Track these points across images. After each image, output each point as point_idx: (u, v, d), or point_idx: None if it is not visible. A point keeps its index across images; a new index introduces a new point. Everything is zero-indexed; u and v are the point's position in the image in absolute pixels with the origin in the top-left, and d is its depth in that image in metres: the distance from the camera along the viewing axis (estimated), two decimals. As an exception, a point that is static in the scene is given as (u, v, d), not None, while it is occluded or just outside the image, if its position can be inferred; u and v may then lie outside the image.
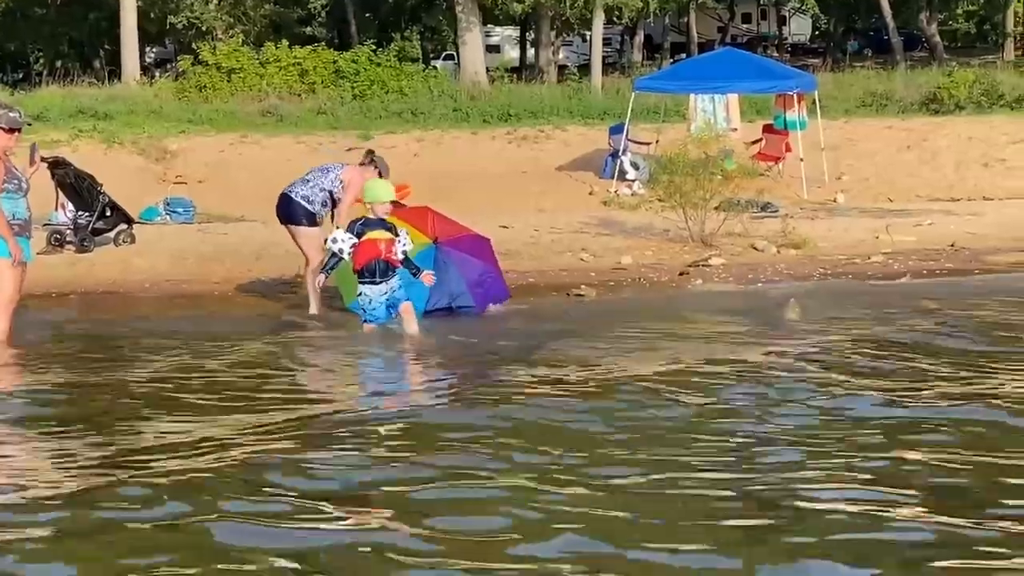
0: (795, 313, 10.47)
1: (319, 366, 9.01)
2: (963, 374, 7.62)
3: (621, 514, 4.61)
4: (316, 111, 29.89)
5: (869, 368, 7.91)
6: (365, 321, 9.73)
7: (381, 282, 9.60)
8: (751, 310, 10.95)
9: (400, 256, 9.66)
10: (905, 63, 39.17)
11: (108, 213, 15.71)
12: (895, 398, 6.82)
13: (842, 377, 7.50)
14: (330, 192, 11.50)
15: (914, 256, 15.36)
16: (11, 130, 9.19)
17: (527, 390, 7.27)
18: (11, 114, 9.27)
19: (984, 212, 19.29)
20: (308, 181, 11.70)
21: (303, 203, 11.49)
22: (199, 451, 5.67)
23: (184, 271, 14.32)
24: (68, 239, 15.43)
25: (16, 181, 9.24)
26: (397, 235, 9.65)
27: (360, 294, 9.72)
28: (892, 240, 16.35)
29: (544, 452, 5.61)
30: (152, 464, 5.41)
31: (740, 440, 5.87)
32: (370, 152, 11.93)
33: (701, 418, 6.43)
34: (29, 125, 9.79)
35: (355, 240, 9.57)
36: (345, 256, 9.62)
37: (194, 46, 37.26)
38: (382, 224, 9.64)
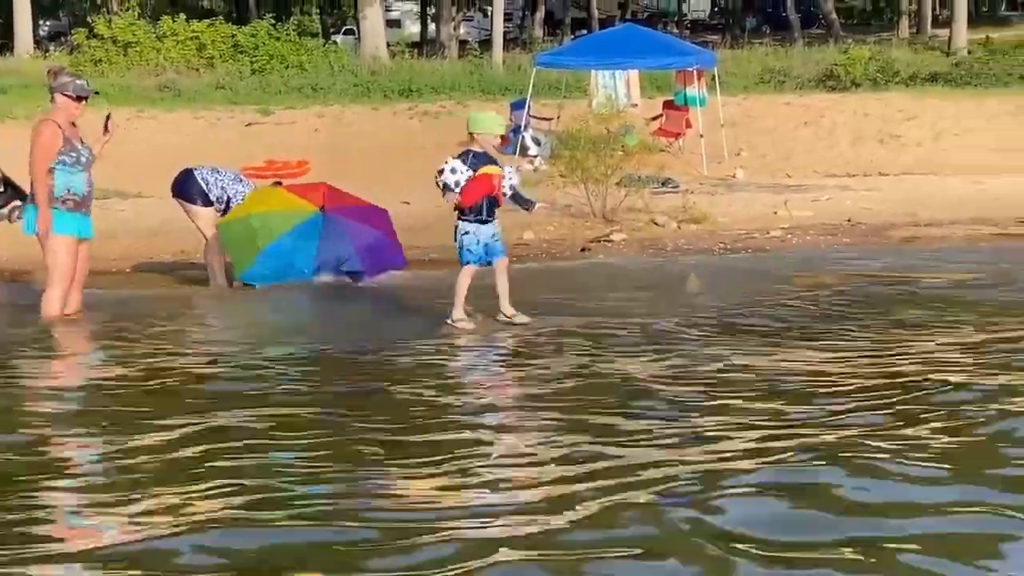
0: (694, 284, 10.82)
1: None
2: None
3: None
4: (215, 86, 29.47)
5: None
6: (466, 263, 8.89)
7: (490, 221, 8.93)
8: (649, 282, 11.12)
9: (508, 191, 9.05)
10: (803, 40, 39.69)
11: (2, 188, 15.32)
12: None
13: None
14: (230, 199, 11.35)
15: (812, 231, 15.58)
16: (79, 98, 8.86)
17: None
18: (78, 82, 8.93)
19: (880, 188, 19.64)
20: (219, 172, 11.58)
21: (202, 183, 11.35)
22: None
23: (79, 248, 14.02)
24: (-42, 216, 15.03)
25: (75, 153, 8.87)
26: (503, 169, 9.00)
27: (465, 233, 8.90)
28: (790, 215, 16.57)
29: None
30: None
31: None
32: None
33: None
34: (96, 94, 9.43)
35: (471, 173, 8.80)
36: (456, 189, 8.77)
37: (89, 19, 36.53)
38: (488, 158, 8.94)
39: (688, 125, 22.96)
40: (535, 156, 22.00)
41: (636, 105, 24.63)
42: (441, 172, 8.84)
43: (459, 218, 8.97)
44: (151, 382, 7.07)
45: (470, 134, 9.01)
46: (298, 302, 10.34)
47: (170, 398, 6.69)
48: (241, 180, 11.80)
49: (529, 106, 22.70)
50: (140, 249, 13.92)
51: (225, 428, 5.84)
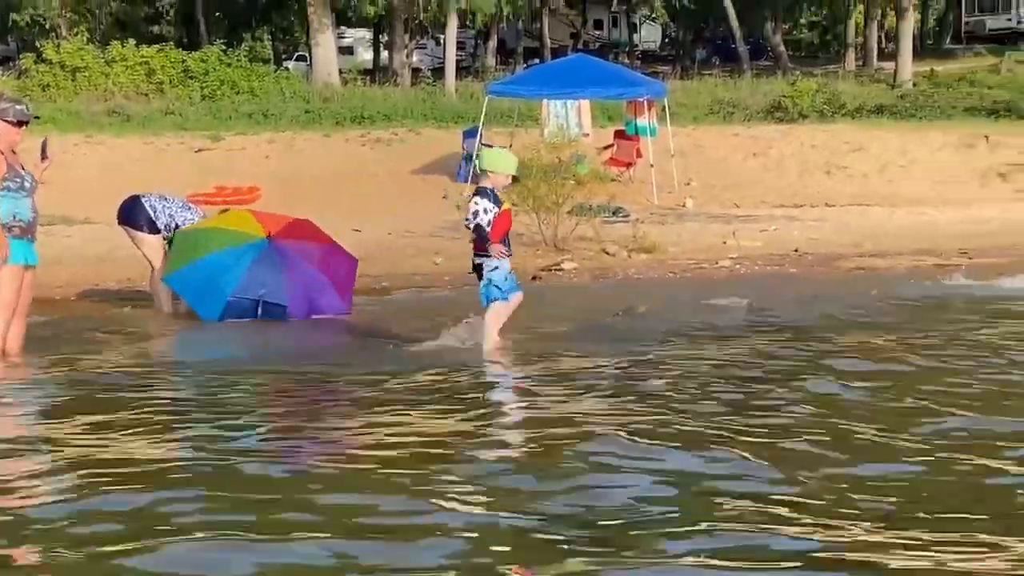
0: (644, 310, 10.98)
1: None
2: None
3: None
4: (164, 111, 29.36)
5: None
6: (494, 300, 8.82)
7: (509, 256, 8.89)
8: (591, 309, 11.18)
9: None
10: (751, 72, 40.09)
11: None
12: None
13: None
14: (177, 226, 11.31)
15: (760, 261, 15.71)
16: (19, 123, 8.70)
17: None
18: (18, 107, 8.74)
19: (827, 218, 19.84)
20: (167, 200, 11.55)
21: (150, 211, 11.31)
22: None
23: (25, 275, 13.87)
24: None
25: (19, 179, 8.67)
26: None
27: (495, 268, 8.78)
28: (739, 245, 16.70)
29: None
30: None
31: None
32: None
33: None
34: (37, 119, 9.24)
35: (498, 210, 8.75)
36: (487, 228, 8.67)
37: (37, 44, 36.27)
38: (497, 195, 8.88)
39: (639, 155, 23.11)
40: (486, 184, 22.03)
41: (588, 135, 24.77)
42: (476, 215, 8.73)
43: (481, 255, 8.85)
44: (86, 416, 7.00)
45: (482, 171, 9.02)
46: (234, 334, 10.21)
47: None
48: (189, 207, 11.77)
49: (481, 134, 22.76)
50: (86, 276, 13.79)
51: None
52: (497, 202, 8.79)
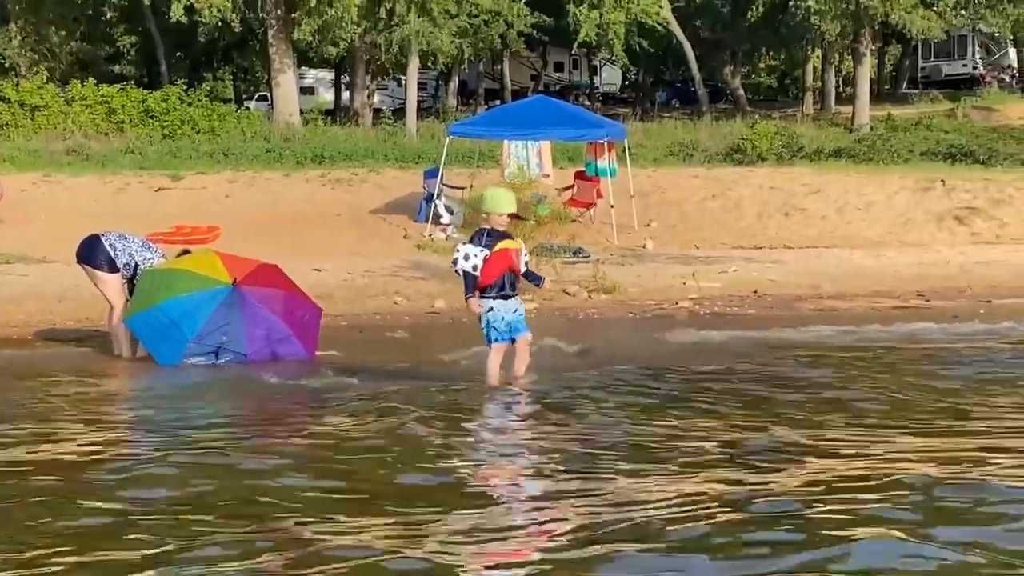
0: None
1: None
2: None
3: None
4: (124, 150, 29.21)
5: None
6: (493, 341, 8.99)
7: (512, 296, 8.95)
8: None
9: (523, 268, 9.02)
10: (711, 114, 40.39)
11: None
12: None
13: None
14: (137, 265, 11.26)
15: (719, 302, 15.79)
16: None
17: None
18: None
19: (785, 260, 19.97)
20: (127, 239, 11.50)
21: (110, 250, 11.26)
22: None
23: (-19, 314, 13.76)
24: None
25: None
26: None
27: (490, 310, 8.93)
28: (699, 286, 16.78)
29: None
30: None
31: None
32: None
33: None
34: None
35: (487, 252, 8.82)
36: (475, 272, 8.83)
37: (-4, 82, 36.11)
38: (502, 234, 8.95)
39: (599, 195, 23.19)
40: (448, 224, 22.07)
41: (548, 175, 24.85)
42: (455, 262, 8.93)
43: (481, 296, 8.94)
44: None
45: (485, 214, 9.12)
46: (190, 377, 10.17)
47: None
48: (149, 247, 11.72)
49: (442, 174, 22.80)
50: (43, 315, 13.70)
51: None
52: (490, 244, 8.83)
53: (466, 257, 8.85)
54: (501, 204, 8.99)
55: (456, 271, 9.00)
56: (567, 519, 5.48)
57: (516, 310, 9.00)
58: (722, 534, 5.12)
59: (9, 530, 5.28)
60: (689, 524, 5.25)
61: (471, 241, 9.01)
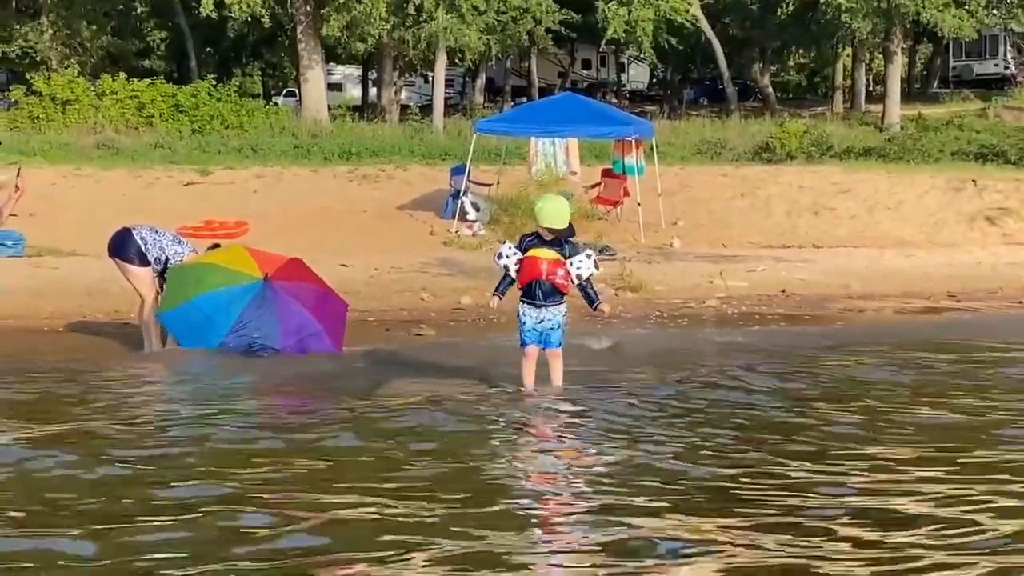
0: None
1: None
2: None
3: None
4: (154, 145, 29.33)
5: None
6: (521, 344, 8.94)
7: (541, 307, 8.82)
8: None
9: (573, 281, 8.82)
10: (739, 113, 40.25)
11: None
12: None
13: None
14: (167, 259, 11.28)
15: (747, 301, 15.72)
16: None
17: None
18: None
19: (815, 260, 19.87)
20: (158, 232, 11.51)
21: (140, 243, 11.27)
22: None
23: (11, 307, 13.81)
24: None
25: None
26: (569, 257, 8.80)
27: (518, 315, 8.92)
28: (726, 285, 16.71)
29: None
30: None
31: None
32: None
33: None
34: None
35: (520, 255, 8.80)
36: (512, 273, 8.82)
37: (27, 76, 36.29)
38: (544, 241, 8.81)
39: (626, 193, 23.13)
40: (474, 221, 22.06)
41: (575, 173, 24.82)
42: (500, 255, 8.97)
43: (521, 297, 8.97)
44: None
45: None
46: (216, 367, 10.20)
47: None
48: (180, 241, 11.73)
49: (469, 171, 22.79)
50: (74, 308, 13.75)
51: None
52: (527, 248, 8.84)
53: (499, 256, 8.91)
54: (543, 216, 8.84)
55: (495, 264, 9.07)
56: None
57: (543, 320, 8.87)
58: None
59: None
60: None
61: (519, 242, 9.00)
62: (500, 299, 9.03)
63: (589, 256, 8.85)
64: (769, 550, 4.99)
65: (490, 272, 16.38)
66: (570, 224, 8.92)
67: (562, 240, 8.82)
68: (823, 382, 9.92)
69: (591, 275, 8.88)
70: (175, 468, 6.47)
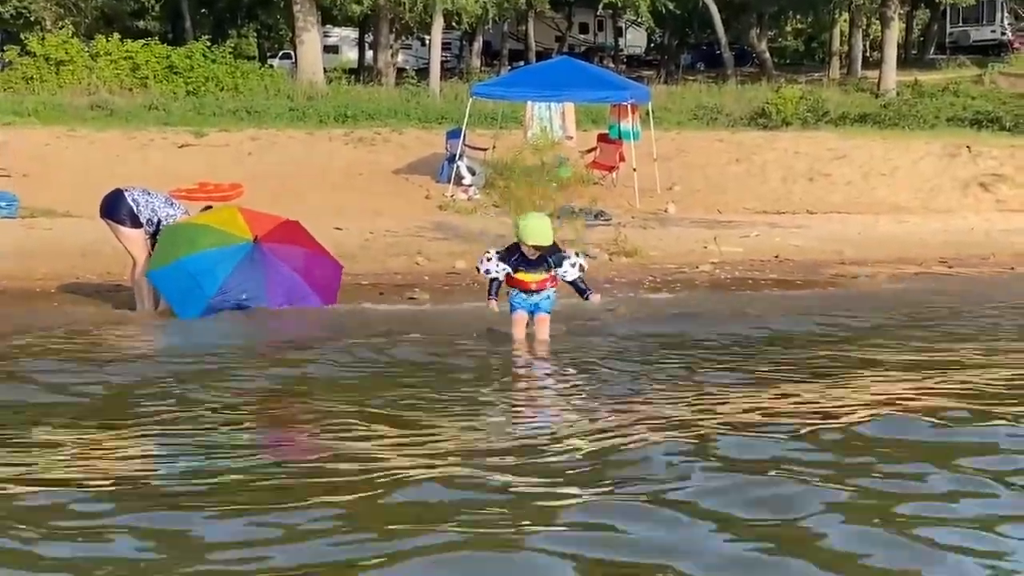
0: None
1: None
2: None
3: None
4: (148, 106, 29.25)
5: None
6: (512, 310, 9.24)
7: (532, 293, 9.19)
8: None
9: (566, 279, 9.17)
10: (736, 78, 40.17)
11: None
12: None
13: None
14: (159, 221, 11.29)
15: (740, 266, 15.75)
16: None
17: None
18: None
19: (809, 225, 19.90)
20: (150, 194, 11.52)
21: (132, 205, 11.27)
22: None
23: (4, 268, 13.83)
24: None
25: None
26: (553, 270, 9.10)
27: (508, 293, 9.27)
28: (720, 250, 16.74)
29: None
30: None
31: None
32: None
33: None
34: None
35: (508, 271, 9.06)
36: (500, 277, 9.15)
37: (22, 36, 36.12)
38: (531, 262, 9.05)
39: (622, 158, 23.13)
40: (469, 185, 22.06)
41: (571, 137, 24.80)
42: (481, 262, 9.20)
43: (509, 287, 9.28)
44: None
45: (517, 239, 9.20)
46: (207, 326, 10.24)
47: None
48: (172, 203, 11.73)
49: (465, 135, 22.77)
50: (67, 269, 13.75)
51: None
52: (514, 267, 9.05)
53: (487, 269, 9.13)
54: (526, 235, 8.96)
55: (477, 267, 9.38)
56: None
57: (533, 300, 9.24)
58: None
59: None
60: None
61: (503, 254, 9.13)
62: (496, 299, 9.24)
63: (574, 265, 9.10)
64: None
65: (485, 235, 16.48)
66: (554, 243, 9.14)
67: (546, 256, 9.05)
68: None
69: (578, 277, 9.17)
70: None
